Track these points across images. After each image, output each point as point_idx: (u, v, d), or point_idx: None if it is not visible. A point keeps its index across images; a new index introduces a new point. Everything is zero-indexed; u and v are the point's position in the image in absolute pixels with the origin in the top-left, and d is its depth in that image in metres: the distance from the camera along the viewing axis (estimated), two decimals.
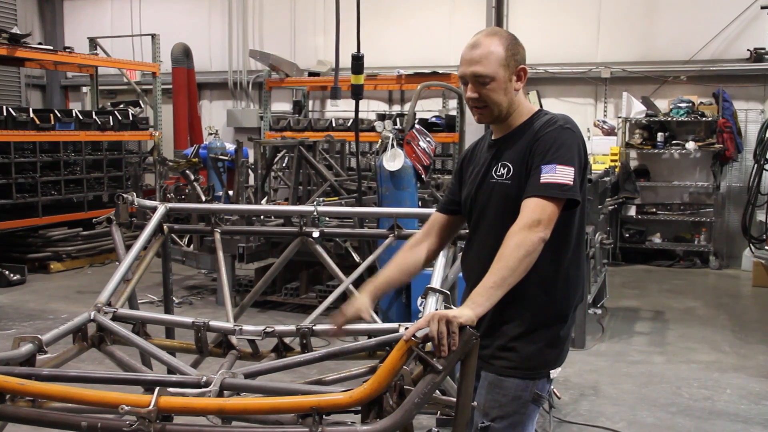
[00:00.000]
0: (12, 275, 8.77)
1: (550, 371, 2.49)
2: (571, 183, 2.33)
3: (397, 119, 9.68)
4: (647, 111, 10.48)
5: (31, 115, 9.48)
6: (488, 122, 2.55)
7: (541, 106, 9.27)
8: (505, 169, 2.46)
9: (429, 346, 2.03)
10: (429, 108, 11.63)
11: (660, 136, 10.43)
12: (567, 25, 11.10)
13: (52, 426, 2.13)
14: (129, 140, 11.68)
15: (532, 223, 2.26)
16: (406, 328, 2.86)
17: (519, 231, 2.26)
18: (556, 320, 2.49)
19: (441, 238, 2.79)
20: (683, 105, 10.24)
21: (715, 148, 10.09)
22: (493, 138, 2.60)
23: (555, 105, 10.99)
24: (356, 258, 6.89)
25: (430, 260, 2.81)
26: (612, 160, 9.79)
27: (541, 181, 2.32)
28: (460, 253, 3.41)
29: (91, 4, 14.46)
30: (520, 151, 2.44)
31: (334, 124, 11.01)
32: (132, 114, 11.29)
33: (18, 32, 9.70)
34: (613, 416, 4.94)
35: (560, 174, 2.32)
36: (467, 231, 2.71)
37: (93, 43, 12.23)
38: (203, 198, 8.48)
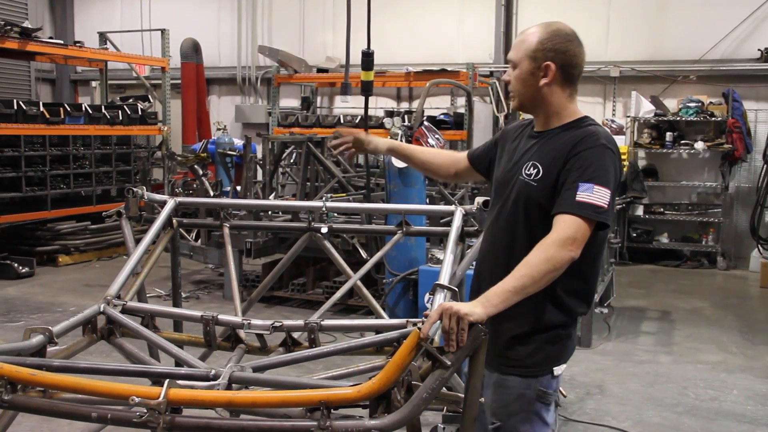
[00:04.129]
0: (21, 268, 8.82)
1: (554, 368, 2.48)
2: (606, 207, 2.30)
3: (406, 116, 9.67)
4: (656, 110, 10.45)
5: (41, 108, 9.54)
6: (514, 108, 2.61)
7: None
8: (535, 170, 2.43)
9: (437, 341, 2.04)
10: (437, 105, 11.62)
11: (669, 135, 10.40)
12: (576, 23, 10.74)
13: (62, 416, 2.14)
14: (138, 135, 11.73)
15: (566, 240, 2.24)
16: (414, 324, 2.88)
17: (552, 245, 2.24)
18: (558, 326, 2.48)
19: (456, 169, 2.95)
20: (692, 105, 10.21)
21: (724, 148, 10.05)
22: (534, 130, 2.58)
23: None
24: (363, 254, 6.90)
25: (439, 171, 3.03)
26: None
27: (577, 198, 2.29)
28: (468, 251, 3.42)
29: None
30: (554, 156, 2.41)
31: (342, 121, 11.00)
32: (141, 109, 11.34)
33: (29, 26, 9.76)
34: (619, 415, 4.94)
35: (596, 195, 2.29)
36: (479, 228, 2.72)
37: (103, 37, 12.30)
38: (211, 193, 8.50)
